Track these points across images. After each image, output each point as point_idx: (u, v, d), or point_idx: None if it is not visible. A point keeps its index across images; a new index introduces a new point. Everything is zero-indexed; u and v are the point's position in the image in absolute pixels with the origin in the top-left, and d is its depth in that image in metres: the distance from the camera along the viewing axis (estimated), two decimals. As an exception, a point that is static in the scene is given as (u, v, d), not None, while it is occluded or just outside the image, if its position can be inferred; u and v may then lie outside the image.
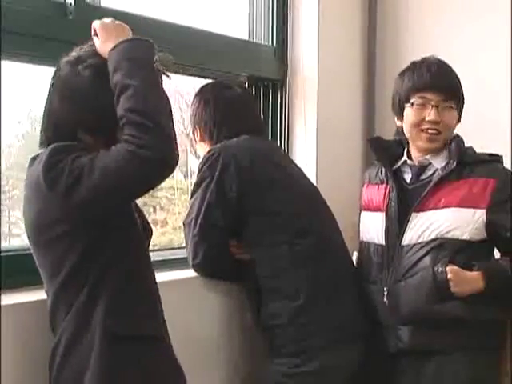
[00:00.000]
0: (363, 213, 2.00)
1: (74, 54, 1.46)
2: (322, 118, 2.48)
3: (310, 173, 2.34)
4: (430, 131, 1.83)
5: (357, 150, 2.65)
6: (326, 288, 1.82)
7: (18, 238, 2.06)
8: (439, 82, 1.82)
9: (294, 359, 1.76)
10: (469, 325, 1.77)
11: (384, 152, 1.96)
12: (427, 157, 1.88)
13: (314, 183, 2.15)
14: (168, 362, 1.47)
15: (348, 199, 2.16)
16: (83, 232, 1.37)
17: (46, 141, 1.45)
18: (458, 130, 1.93)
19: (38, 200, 1.39)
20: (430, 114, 1.81)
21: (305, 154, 2.47)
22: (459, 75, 1.91)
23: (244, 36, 2.47)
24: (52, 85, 1.46)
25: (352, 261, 2.01)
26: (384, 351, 1.85)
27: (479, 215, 1.78)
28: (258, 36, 2.48)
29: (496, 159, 1.89)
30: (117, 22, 1.45)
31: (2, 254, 1.64)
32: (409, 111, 1.86)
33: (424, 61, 1.89)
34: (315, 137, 2.45)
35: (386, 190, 1.91)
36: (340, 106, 2.59)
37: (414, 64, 1.89)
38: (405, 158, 1.93)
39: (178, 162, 1.34)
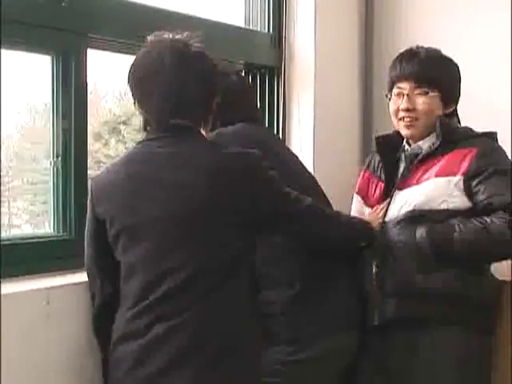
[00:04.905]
0: (358, 197, 2.01)
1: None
2: (319, 105, 2.47)
3: (307, 161, 2.33)
4: (405, 119, 1.88)
5: (354, 137, 2.65)
6: (322, 277, 1.81)
7: (18, 229, 2.07)
8: (409, 70, 1.86)
9: (288, 347, 1.76)
10: (452, 298, 1.77)
11: (388, 150, 1.97)
12: (419, 143, 1.90)
13: (311, 171, 2.15)
14: None
15: (345, 188, 2.15)
16: (248, 231, 1.54)
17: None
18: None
19: (229, 183, 1.49)
20: (402, 103, 1.86)
21: (301, 141, 2.47)
22: (456, 61, 1.92)
23: (240, 23, 2.46)
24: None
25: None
26: (371, 325, 1.85)
27: (455, 182, 1.77)
28: (254, 23, 2.48)
29: (487, 135, 1.87)
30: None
31: (2, 243, 1.65)
32: (390, 102, 1.92)
33: (403, 52, 1.92)
34: (312, 124, 2.45)
35: (384, 190, 1.92)
36: (337, 92, 2.58)
37: (396, 57, 1.93)
38: (404, 143, 1.95)
39: None
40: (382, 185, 1.93)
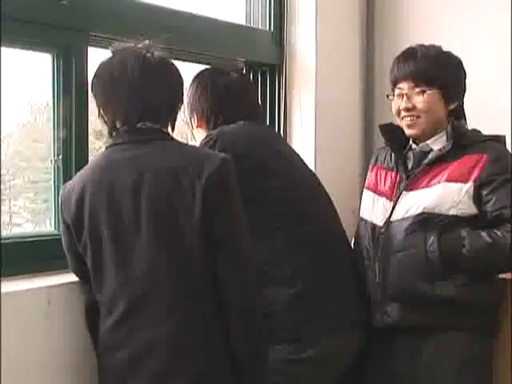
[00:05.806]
0: (368, 192, 2.00)
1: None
2: (320, 102, 2.47)
3: (308, 159, 2.33)
4: (406, 119, 1.90)
5: (355, 135, 2.65)
6: (324, 275, 1.81)
7: (19, 228, 2.07)
8: (406, 71, 1.89)
9: (290, 346, 1.76)
10: (458, 305, 1.78)
11: (394, 137, 1.98)
12: (428, 142, 1.90)
13: (312, 169, 2.14)
14: None
15: (347, 186, 2.15)
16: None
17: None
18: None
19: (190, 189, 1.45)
20: (402, 103, 1.89)
21: (302, 139, 2.46)
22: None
23: (241, 21, 2.46)
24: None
25: (351, 248, 2.00)
26: (374, 326, 1.85)
27: (466, 189, 1.78)
28: (255, 21, 2.48)
29: (496, 139, 1.88)
30: None
31: (3, 242, 1.66)
32: (392, 103, 1.94)
33: (402, 52, 1.94)
34: (313, 122, 2.45)
35: (395, 178, 1.92)
36: (338, 90, 2.58)
37: (395, 57, 1.95)
38: (411, 142, 1.95)
39: None
40: (393, 173, 1.94)
